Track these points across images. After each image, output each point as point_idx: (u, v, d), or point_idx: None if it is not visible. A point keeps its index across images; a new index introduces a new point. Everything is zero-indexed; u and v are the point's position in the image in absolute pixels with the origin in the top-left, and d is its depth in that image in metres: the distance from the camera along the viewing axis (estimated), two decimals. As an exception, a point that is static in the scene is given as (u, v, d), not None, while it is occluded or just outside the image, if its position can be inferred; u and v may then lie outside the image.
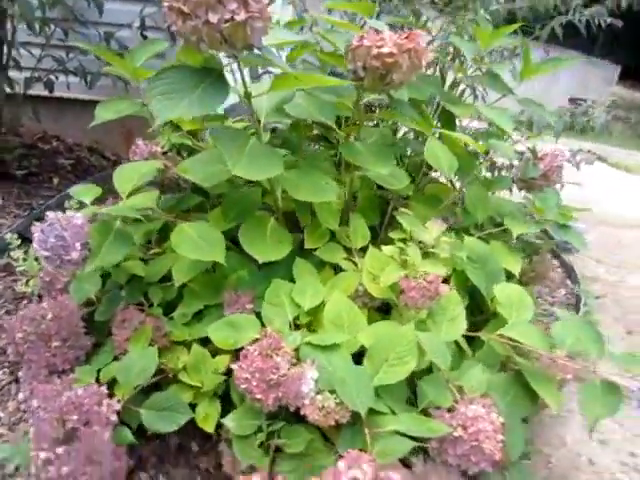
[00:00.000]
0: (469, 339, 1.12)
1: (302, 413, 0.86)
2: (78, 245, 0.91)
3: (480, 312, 1.26)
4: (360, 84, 1.02)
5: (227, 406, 1.01)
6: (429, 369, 1.00)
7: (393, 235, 1.11)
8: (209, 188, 1.28)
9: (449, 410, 0.88)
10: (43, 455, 0.80)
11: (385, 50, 0.91)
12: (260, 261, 1.02)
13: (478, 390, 0.92)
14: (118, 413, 0.92)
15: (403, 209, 1.22)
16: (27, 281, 1.36)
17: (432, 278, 0.96)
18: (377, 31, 0.97)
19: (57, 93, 2.03)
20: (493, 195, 1.51)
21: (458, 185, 1.51)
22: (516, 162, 1.47)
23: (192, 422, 0.99)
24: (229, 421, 0.94)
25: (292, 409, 0.87)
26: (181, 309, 1.10)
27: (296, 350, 0.92)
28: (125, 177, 1.01)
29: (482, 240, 1.32)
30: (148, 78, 0.85)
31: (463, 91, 1.83)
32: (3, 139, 1.95)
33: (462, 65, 1.52)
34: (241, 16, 0.76)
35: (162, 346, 1.05)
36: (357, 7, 1.22)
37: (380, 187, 1.49)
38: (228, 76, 0.90)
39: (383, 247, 1.10)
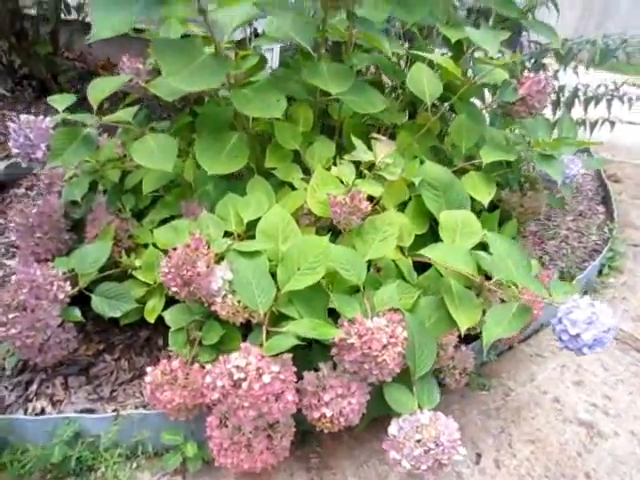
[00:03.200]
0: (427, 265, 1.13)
1: (213, 309, 0.94)
2: (43, 146, 1.04)
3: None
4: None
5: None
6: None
7: (347, 157, 1.12)
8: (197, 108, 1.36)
9: (352, 321, 0.91)
10: (-3, 318, 0.96)
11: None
12: (209, 172, 1.09)
13: (388, 305, 0.94)
14: (75, 297, 1.07)
15: (376, 134, 1.22)
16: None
17: (354, 194, 0.97)
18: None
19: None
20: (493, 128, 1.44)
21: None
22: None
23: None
24: (166, 314, 1.05)
25: (206, 305, 0.96)
26: (151, 216, 1.22)
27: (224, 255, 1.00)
28: (97, 89, 1.11)
29: (463, 171, 1.29)
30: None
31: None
32: (59, 61, 2.13)
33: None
34: None
35: (128, 247, 1.17)
36: None
37: (372, 118, 1.48)
38: None
39: (333, 167, 1.12)
